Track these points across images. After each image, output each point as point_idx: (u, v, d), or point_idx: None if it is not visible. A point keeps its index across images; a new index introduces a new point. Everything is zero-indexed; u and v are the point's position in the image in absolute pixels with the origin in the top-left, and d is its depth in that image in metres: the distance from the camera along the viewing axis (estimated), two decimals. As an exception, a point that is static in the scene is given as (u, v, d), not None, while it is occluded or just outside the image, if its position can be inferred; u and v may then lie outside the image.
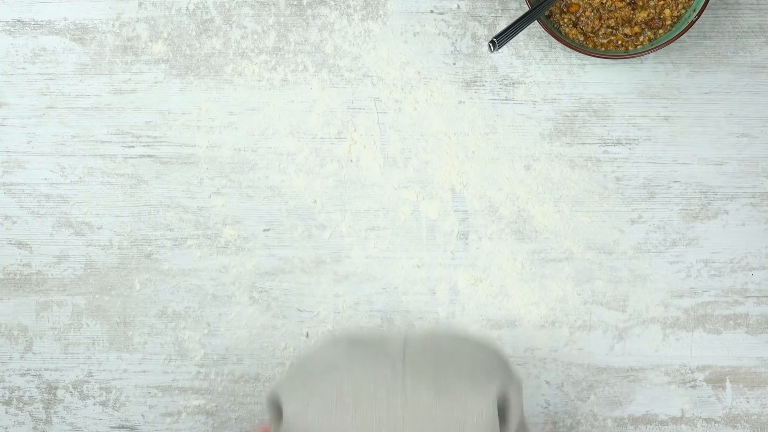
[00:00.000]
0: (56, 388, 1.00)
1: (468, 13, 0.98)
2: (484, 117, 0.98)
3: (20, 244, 0.99)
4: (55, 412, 1.00)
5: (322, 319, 1.00)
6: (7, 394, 1.00)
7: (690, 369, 1.00)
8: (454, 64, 0.98)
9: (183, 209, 0.99)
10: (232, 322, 1.00)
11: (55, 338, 0.99)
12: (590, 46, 0.95)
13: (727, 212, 0.99)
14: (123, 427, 1.00)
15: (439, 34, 0.98)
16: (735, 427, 1.00)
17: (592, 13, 0.94)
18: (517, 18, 0.89)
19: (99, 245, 0.99)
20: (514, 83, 0.98)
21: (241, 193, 0.99)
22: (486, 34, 0.98)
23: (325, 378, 0.73)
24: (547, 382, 1.00)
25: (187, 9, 0.97)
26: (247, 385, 1.00)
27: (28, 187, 0.99)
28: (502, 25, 0.98)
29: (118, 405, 1.00)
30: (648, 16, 0.94)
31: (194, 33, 0.98)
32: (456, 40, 0.98)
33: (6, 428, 1.00)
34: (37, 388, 1.00)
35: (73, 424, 1.00)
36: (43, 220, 0.99)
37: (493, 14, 0.98)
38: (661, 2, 0.94)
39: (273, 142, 0.98)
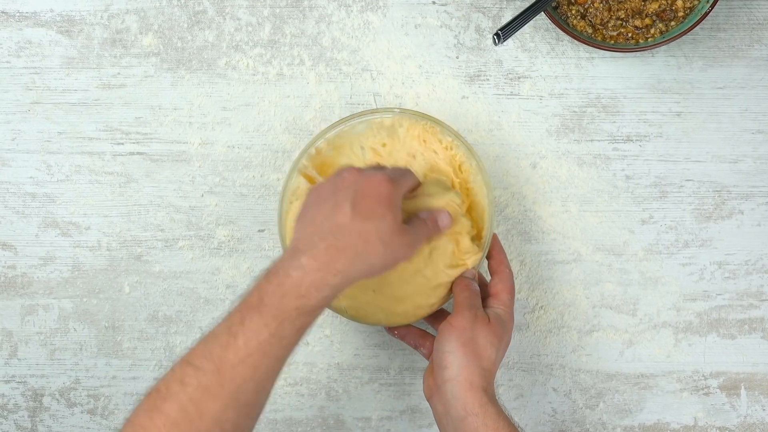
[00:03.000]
0: (42, 395, 0.99)
1: (471, 4, 0.97)
2: (488, 113, 0.98)
3: (5, 245, 0.98)
4: (41, 420, 0.99)
5: (319, 323, 0.99)
6: (-9, 401, 1.00)
7: (703, 375, 0.99)
8: (457, 57, 0.97)
9: (174, 209, 0.98)
10: (226, 326, 0.98)
11: (41, 343, 0.99)
12: (599, 38, 0.94)
13: (741, 212, 0.98)
14: (112, 436, 1.00)
15: (441, 27, 0.97)
16: (750, 436, 1.00)
17: (601, 5, 0.94)
18: (522, 9, 0.89)
19: (87, 246, 0.98)
20: (519, 77, 0.97)
21: (234, 192, 0.98)
22: (490, 26, 0.97)
23: None
24: (554, 389, 0.99)
25: (179, 0, 0.97)
26: (241, 392, 0.99)
27: (12, 185, 0.98)
28: (507, 16, 0.97)
29: (106, 413, 0.99)
30: (659, 7, 0.93)
31: (186, 25, 0.97)
32: (459, 33, 0.97)
33: (-10, 437, 1.00)
34: (23, 395, 0.99)
35: (60, 433, 1.00)
36: (29, 220, 0.98)
37: (497, 5, 0.97)
38: (674, -8, 0.95)
39: (268, 138, 0.98)
